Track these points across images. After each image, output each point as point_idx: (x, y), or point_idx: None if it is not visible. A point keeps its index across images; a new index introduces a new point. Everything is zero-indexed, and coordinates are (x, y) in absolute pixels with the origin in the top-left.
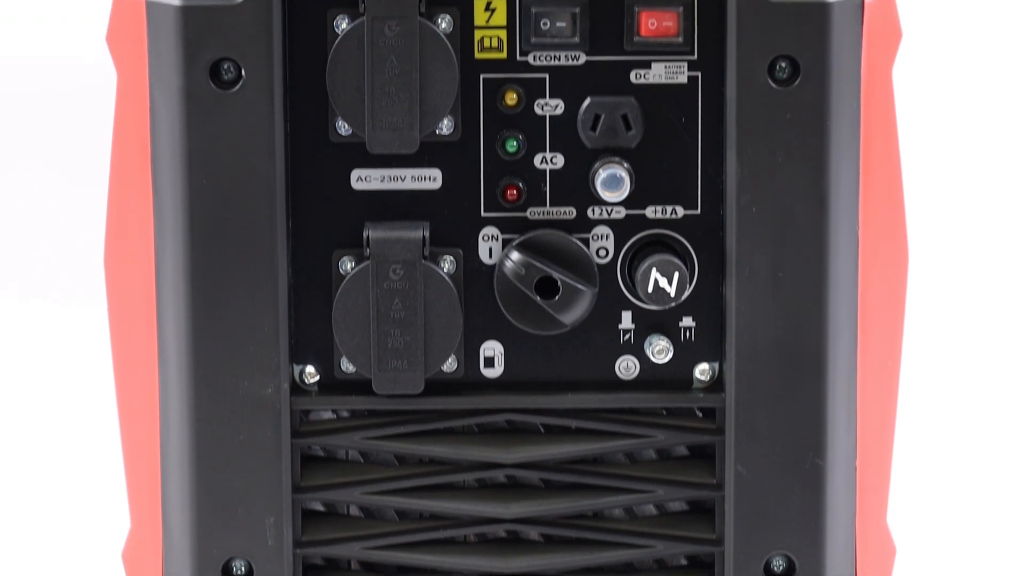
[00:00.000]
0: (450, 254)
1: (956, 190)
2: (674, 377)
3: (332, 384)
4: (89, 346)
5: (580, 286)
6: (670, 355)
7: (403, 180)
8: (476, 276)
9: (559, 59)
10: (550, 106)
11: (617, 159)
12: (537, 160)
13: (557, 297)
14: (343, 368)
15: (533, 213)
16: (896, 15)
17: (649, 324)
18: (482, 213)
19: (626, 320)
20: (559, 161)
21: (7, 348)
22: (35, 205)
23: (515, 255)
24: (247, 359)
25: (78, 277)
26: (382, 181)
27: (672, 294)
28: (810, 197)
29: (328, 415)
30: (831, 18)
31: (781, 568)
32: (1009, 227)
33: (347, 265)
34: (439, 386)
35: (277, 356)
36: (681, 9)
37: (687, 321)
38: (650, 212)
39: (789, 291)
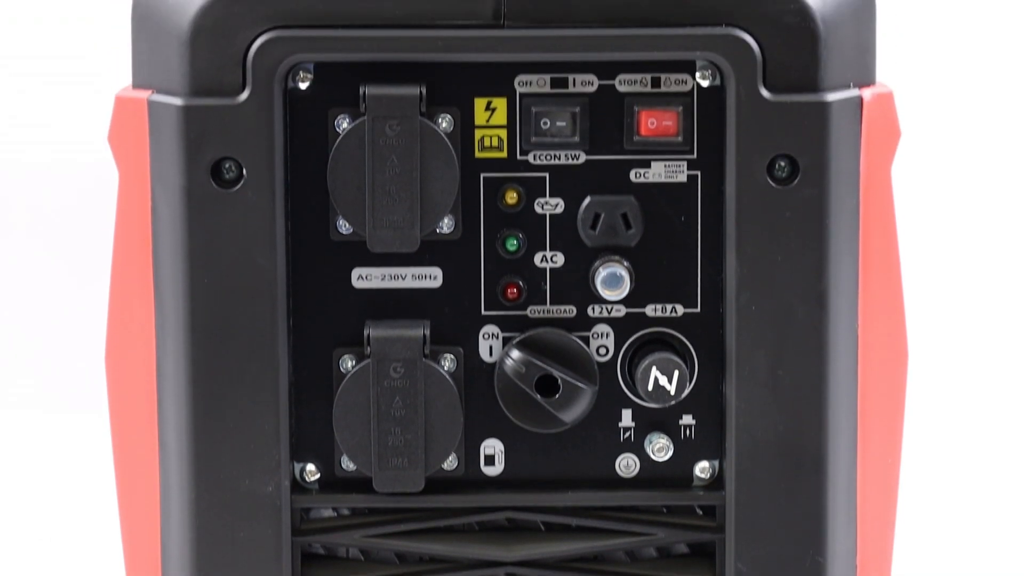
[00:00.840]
0: (451, 352)
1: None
2: (674, 475)
3: (333, 482)
4: (89, 451)
5: (580, 384)
6: (670, 453)
7: (404, 279)
8: (477, 374)
9: (559, 158)
10: (550, 205)
11: (617, 258)
12: (537, 259)
13: (557, 395)
14: (344, 466)
15: (533, 311)
16: (895, 114)
17: (649, 422)
18: (483, 311)
19: (626, 418)
20: (559, 260)
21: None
22: (36, 305)
23: (515, 353)
24: (248, 457)
25: (78, 384)
26: (383, 280)
27: (672, 392)
28: (810, 296)
29: (329, 513)
30: (830, 117)
31: None
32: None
33: (348, 363)
34: (440, 484)
35: (278, 454)
36: (680, 109)
37: (687, 419)
38: (650, 310)
39: (789, 389)
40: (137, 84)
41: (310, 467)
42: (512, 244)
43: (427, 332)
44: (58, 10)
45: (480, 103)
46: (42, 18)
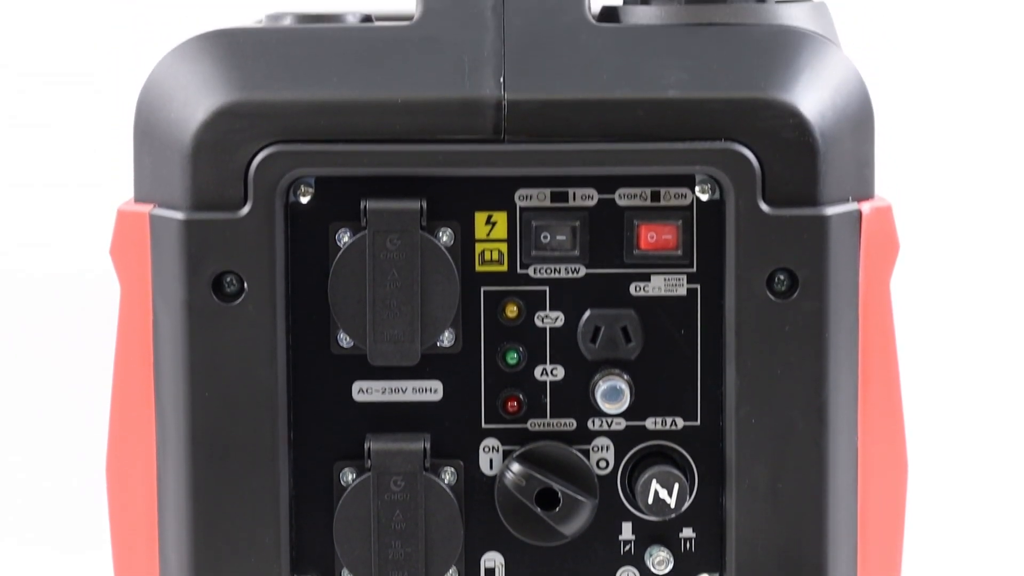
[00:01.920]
0: (451, 465)
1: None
2: None
3: None
4: (89, 555)
5: (581, 498)
6: (670, 566)
7: (404, 392)
8: (477, 487)
9: (559, 272)
10: (550, 318)
11: (617, 371)
12: (538, 372)
13: (558, 508)
14: None
15: (534, 424)
16: (894, 227)
17: (649, 535)
18: (483, 425)
19: (626, 531)
20: (559, 373)
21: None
22: (37, 427)
23: (516, 467)
24: (249, 570)
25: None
26: (383, 393)
27: (672, 505)
28: (809, 409)
29: None
30: (829, 231)
31: None
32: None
33: (348, 476)
34: None
35: (278, 568)
36: (680, 222)
37: (687, 532)
38: (650, 423)
39: (789, 502)
40: (139, 198)
41: None
42: (512, 357)
43: (427, 445)
44: (62, 123)
45: (480, 217)
46: (48, 126)
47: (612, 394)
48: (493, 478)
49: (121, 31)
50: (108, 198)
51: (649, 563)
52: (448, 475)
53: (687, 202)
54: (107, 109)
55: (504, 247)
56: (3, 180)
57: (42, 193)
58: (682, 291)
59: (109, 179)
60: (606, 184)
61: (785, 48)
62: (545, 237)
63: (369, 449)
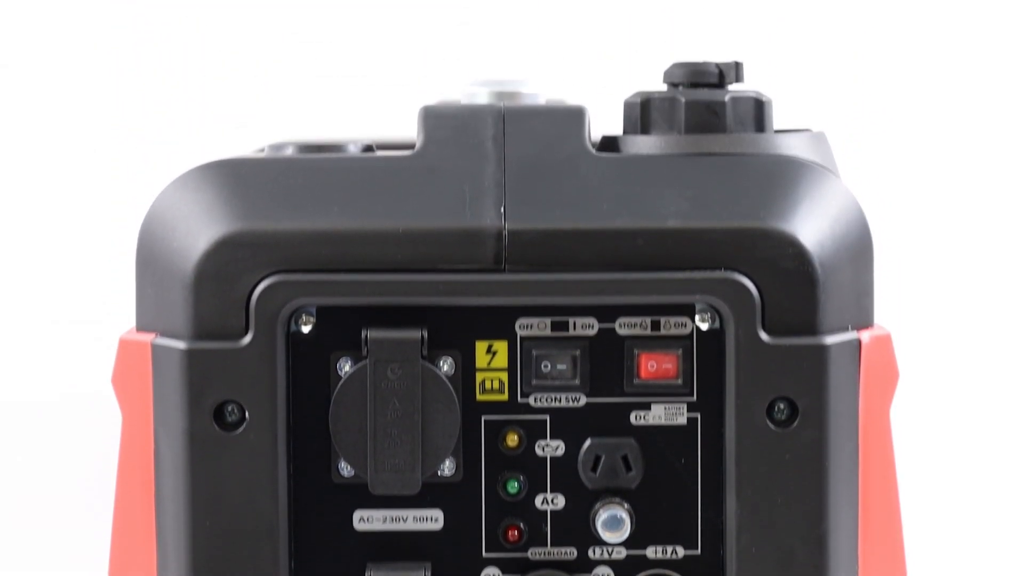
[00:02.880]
0: None
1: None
2: None
3: None
4: None
5: None
6: None
7: (405, 521)
8: None
9: (560, 401)
10: (551, 447)
11: (617, 500)
12: (538, 501)
13: None
14: None
15: (534, 553)
16: (893, 356)
17: None
18: (483, 554)
19: None
20: (560, 502)
21: None
22: (39, 546)
23: None
24: None
25: None
26: (384, 522)
27: None
28: (810, 538)
29: None
30: (828, 360)
31: None
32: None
33: None
34: None
35: None
36: (680, 351)
37: None
38: (651, 552)
39: None
40: (141, 327)
41: None
42: (513, 486)
43: (428, 574)
44: (64, 251)
45: (481, 346)
46: (52, 253)
47: (613, 523)
48: None
49: (122, 160)
50: (111, 327)
51: None
52: None
53: (687, 331)
54: (110, 239)
55: (505, 376)
56: (6, 305)
57: (45, 321)
58: (682, 420)
59: (112, 309)
60: (606, 313)
61: (784, 178)
62: (546, 366)
63: None
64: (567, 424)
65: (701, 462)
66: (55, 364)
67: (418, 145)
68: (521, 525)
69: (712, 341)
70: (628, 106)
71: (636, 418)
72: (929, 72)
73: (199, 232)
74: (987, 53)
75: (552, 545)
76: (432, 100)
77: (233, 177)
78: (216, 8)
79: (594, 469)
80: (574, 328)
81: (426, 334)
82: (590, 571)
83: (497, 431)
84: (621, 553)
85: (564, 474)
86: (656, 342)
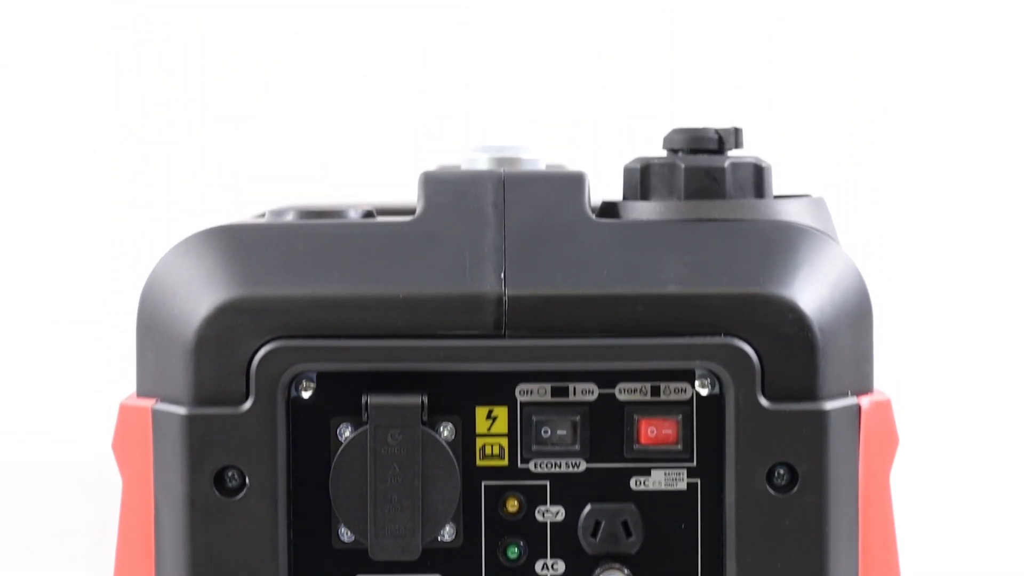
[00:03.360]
0: None
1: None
2: None
3: None
4: None
5: None
6: None
7: None
8: None
9: (560, 466)
10: (551, 513)
11: (618, 565)
12: (538, 566)
13: None
14: None
15: None
16: (893, 422)
17: None
18: None
19: None
20: (560, 567)
21: None
22: None
23: None
24: None
25: None
26: None
27: None
28: None
29: None
30: (828, 426)
31: None
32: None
33: None
34: None
35: None
36: (680, 417)
37: None
38: None
39: None
40: (141, 392)
41: None
42: (513, 552)
43: None
44: (65, 252)
45: (481, 412)
46: (52, 253)
47: None
48: None
49: (122, 160)
50: (112, 393)
51: None
52: None
53: (687, 396)
54: (110, 240)
55: (505, 441)
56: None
57: (45, 321)
58: (682, 485)
59: (114, 375)
60: (606, 379)
61: (784, 244)
62: (545, 432)
63: None
64: (567, 489)
65: (701, 527)
66: (55, 364)
67: (418, 211)
68: None
69: (712, 406)
70: (628, 172)
71: (636, 483)
72: (926, 137)
73: (200, 298)
74: (980, 123)
75: None
76: (432, 166)
77: (234, 243)
78: (216, 8)
79: (594, 534)
80: (574, 393)
81: (426, 399)
82: None
83: (497, 496)
84: None
85: (564, 539)
86: (656, 407)
